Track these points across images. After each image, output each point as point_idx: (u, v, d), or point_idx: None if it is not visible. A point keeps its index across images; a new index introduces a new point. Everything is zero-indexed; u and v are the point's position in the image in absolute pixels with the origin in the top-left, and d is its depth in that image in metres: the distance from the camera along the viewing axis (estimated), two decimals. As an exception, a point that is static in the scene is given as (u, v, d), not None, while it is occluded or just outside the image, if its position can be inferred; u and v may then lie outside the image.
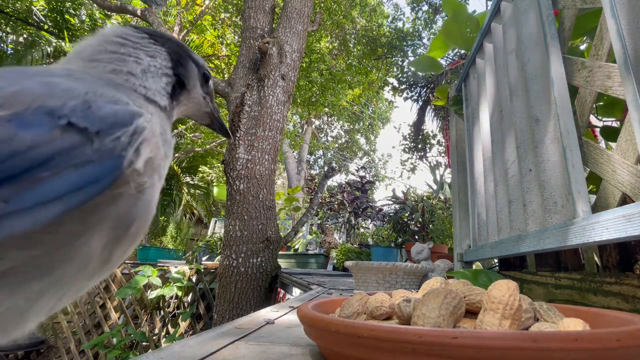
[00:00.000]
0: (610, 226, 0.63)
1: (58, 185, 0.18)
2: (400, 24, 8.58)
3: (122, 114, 0.22)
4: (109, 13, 6.88)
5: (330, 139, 17.13)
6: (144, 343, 3.68)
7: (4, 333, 0.21)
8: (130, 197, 0.22)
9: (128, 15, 6.40)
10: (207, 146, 8.03)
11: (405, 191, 5.06)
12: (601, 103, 1.14)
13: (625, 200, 0.71)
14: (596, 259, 0.93)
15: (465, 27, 1.66)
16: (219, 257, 5.04)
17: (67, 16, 7.04)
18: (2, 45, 6.97)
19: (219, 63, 8.51)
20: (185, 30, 7.15)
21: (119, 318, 4.16)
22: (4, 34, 6.89)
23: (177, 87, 0.35)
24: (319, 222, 7.28)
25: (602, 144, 1.17)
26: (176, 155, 7.97)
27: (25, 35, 6.75)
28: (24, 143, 0.18)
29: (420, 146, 8.67)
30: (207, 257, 5.88)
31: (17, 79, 0.21)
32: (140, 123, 0.22)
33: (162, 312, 4.09)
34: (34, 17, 6.80)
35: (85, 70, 0.28)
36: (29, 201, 0.17)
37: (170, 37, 0.37)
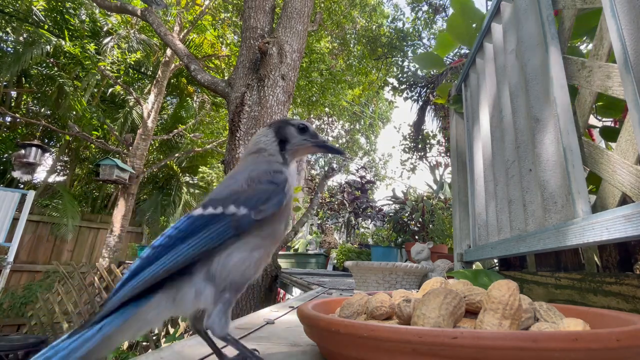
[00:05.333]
0: (610, 226, 0.63)
1: (273, 202, 0.49)
2: (400, 24, 8.58)
3: (283, 177, 0.53)
4: (108, 13, 6.89)
5: (330, 138, 17.13)
6: (144, 343, 3.68)
7: (257, 272, 0.49)
8: (287, 207, 0.52)
9: (128, 15, 6.41)
10: (207, 146, 8.03)
11: (405, 191, 5.06)
12: (601, 103, 1.14)
13: (625, 200, 0.71)
14: (596, 259, 0.93)
15: (471, 22, 1.66)
16: (219, 257, 5.02)
17: (67, 16, 7.03)
18: (2, 44, 6.97)
19: (219, 63, 8.51)
20: (185, 30, 7.15)
21: (119, 318, 4.15)
22: (4, 33, 6.89)
23: (283, 144, 0.59)
24: (319, 222, 7.28)
25: (602, 144, 1.17)
26: (176, 155, 7.96)
27: (25, 35, 6.75)
28: (265, 189, 0.50)
29: (420, 146, 8.66)
30: (207, 257, 5.86)
31: (251, 168, 0.54)
32: (287, 178, 0.53)
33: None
34: (34, 16, 6.79)
35: (258, 159, 0.57)
36: (269, 206, 0.49)
37: (277, 120, 0.63)
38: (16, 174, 5.60)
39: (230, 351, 0.52)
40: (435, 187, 7.26)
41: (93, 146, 7.87)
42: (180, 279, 0.44)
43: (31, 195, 5.38)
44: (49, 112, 7.75)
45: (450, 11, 1.78)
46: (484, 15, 1.66)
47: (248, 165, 0.56)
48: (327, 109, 9.46)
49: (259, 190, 0.49)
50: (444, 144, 7.80)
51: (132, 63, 7.19)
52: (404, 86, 7.64)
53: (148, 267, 0.43)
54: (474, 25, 1.67)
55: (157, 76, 7.02)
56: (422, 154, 8.82)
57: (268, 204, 0.49)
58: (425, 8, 8.07)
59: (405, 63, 8.05)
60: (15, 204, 5.14)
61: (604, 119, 1.19)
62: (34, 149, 5.70)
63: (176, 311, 0.45)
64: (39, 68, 7.12)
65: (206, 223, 0.46)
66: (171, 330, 3.87)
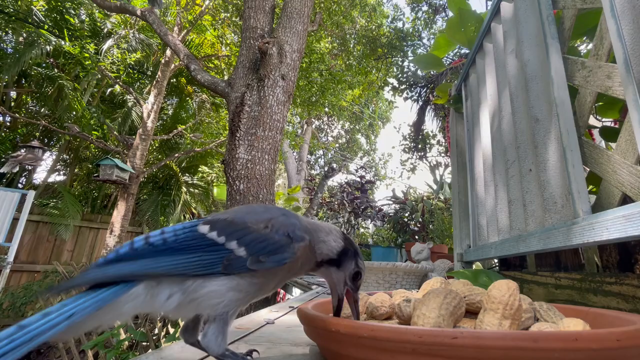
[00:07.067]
0: (610, 226, 0.63)
1: (276, 258, 0.47)
2: (400, 24, 8.58)
3: (301, 235, 0.50)
4: (108, 13, 6.88)
5: (330, 139, 17.12)
6: (144, 343, 3.68)
7: (231, 310, 0.46)
8: (286, 268, 0.49)
9: (127, 15, 6.41)
10: (207, 146, 8.02)
11: (405, 191, 5.05)
12: (601, 103, 1.14)
13: (625, 200, 0.71)
14: (596, 259, 0.93)
15: (470, 25, 1.66)
16: (218, 257, 5.02)
17: (66, 16, 7.03)
18: (2, 45, 6.96)
19: (219, 63, 8.50)
20: (185, 30, 7.14)
21: (118, 318, 4.15)
22: (4, 34, 6.89)
23: (334, 263, 0.54)
24: (319, 222, 7.25)
25: (602, 144, 1.17)
26: (176, 155, 7.96)
27: (24, 35, 6.74)
28: (277, 241, 0.47)
29: (420, 146, 8.66)
30: (207, 257, 5.87)
31: (284, 212, 0.52)
32: (305, 243, 0.50)
33: (162, 312, 4.07)
34: (34, 16, 6.79)
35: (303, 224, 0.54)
36: (271, 260, 0.46)
37: (357, 248, 0.57)
38: (4, 169, 5.60)
39: (234, 346, 0.51)
40: (435, 187, 7.26)
41: (93, 146, 7.87)
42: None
43: (31, 195, 5.38)
44: (48, 112, 7.74)
45: (450, 12, 1.78)
46: (482, 18, 1.66)
47: (289, 213, 0.53)
48: (327, 109, 9.46)
49: (271, 240, 0.47)
50: (444, 144, 7.81)
51: (132, 63, 7.19)
52: (404, 86, 7.63)
53: (134, 260, 0.43)
54: (472, 28, 1.67)
55: (156, 76, 7.01)
56: (422, 154, 8.83)
57: (271, 257, 0.46)
58: (425, 8, 8.07)
59: (405, 63, 8.05)
60: (15, 204, 5.14)
61: (604, 119, 1.19)
62: (34, 149, 5.70)
63: (149, 307, 0.44)
64: (39, 68, 7.12)
65: (202, 247, 0.44)
66: (171, 330, 3.87)
